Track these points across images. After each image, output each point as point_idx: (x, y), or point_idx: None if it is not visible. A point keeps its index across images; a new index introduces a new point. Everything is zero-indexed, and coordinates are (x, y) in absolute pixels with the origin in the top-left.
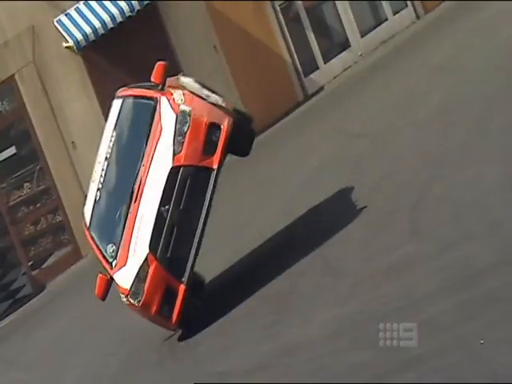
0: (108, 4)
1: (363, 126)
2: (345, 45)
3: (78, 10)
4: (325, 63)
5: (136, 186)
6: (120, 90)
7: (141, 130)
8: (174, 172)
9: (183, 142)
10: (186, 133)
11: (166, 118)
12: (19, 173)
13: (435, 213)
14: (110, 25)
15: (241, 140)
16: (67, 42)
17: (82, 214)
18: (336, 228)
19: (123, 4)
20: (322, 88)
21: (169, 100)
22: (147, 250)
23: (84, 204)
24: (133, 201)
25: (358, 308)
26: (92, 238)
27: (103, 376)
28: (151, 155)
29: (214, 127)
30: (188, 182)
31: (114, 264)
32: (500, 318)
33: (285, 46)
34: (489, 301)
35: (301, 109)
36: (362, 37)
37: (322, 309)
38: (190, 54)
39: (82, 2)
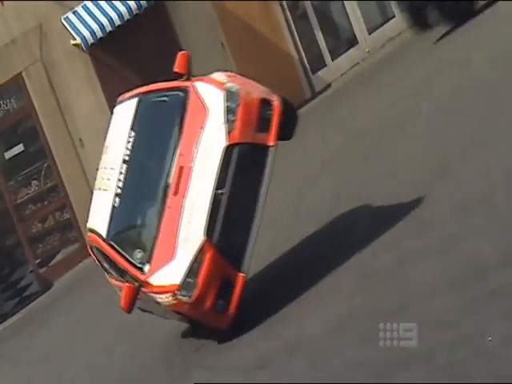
0: (115, 2)
1: (370, 121)
2: (352, 42)
3: (85, 8)
4: (332, 60)
5: (172, 179)
6: (129, 91)
7: (171, 122)
8: (228, 151)
9: (235, 120)
10: (237, 110)
11: (211, 99)
12: (27, 170)
13: (441, 208)
14: (118, 22)
15: (285, 122)
16: (74, 39)
17: (91, 229)
18: (341, 223)
19: (131, 2)
20: (329, 85)
21: (207, 82)
22: (202, 237)
23: (89, 217)
24: (170, 194)
25: (362, 304)
26: (113, 248)
27: (108, 373)
28: (195, 141)
29: (265, 103)
30: (244, 161)
31: (146, 269)
32: (505, 315)
33: (292, 43)
34: (494, 296)
35: (308, 106)
36: (369, 34)
37: (326, 304)
38: (197, 52)
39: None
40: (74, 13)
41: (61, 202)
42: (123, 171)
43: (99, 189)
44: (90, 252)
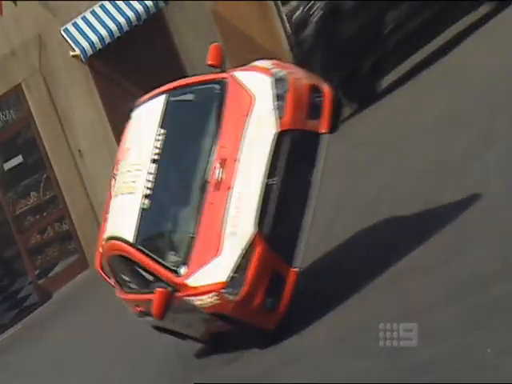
0: (115, 13)
1: (367, 133)
2: None
3: (84, 19)
4: None
5: (212, 174)
6: (154, 90)
7: (206, 115)
8: (280, 138)
9: (285, 106)
10: (286, 96)
11: (257, 85)
12: (26, 181)
13: (440, 220)
14: (117, 34)
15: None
16: (74, 50)
17: (113, 236)
18: (340, 236)
19: (130, 13)
20: None
21: (250, 70)
22: (252, 230)
23: (108, 225)
24: (210, 190)
25: (363, 314)
26: (143, 253)
27: None
28: (240, 130)
29: (315, 90)
30: (295, 149)
31: (182, 271)
32: (505, 326)
33: (290, 52)
34: (494, 308)
35: None
36: None
37: (325, 316)
38: (196, 62)
39: (88, 11)
40: (73, 24)
41: (60, 213)
42: (152, 171)
43: (121, 193)
44: (99, 266)
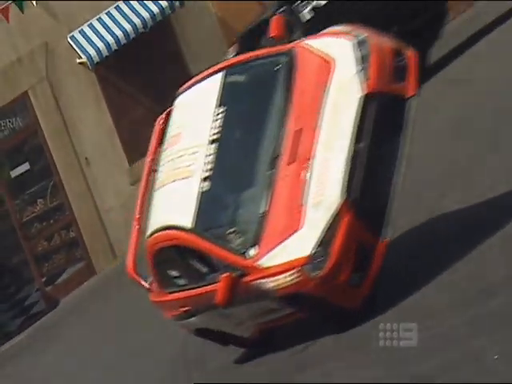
0: (121, 20)
1: None
2: None
3: (91, 26)
4: None
5: (285, 146)
6: (203, 72)
7: (275, 87)
8: (365, 102)
9: (368, 68)
10: (369, 58)
11: (336, 50)
12: (33, 189)
13: (444, 228)
14: (124, 40)
15: None
16: (80, 57)
17: (168, 226)
18: None
19: (136, 20)
20: None
21: (326, 36)
22: (339, 199)
23: (159, 215)
24: (283, 163)
25: (369, 322)
26: (205, 238)
27: None
28: (318, 98)
29: (398, 53)
30: (382, 113)
31: (252, 253)
32: (508, 334)
33: None
34: (501, 316)
35: None
36: None
37: (333, 324)
38: (203, 68)
39: (95, 19)
40: (80, 31)
41: (67, 220)
42: (212, 152)
43: (172, 181)
44: (133, 269)
